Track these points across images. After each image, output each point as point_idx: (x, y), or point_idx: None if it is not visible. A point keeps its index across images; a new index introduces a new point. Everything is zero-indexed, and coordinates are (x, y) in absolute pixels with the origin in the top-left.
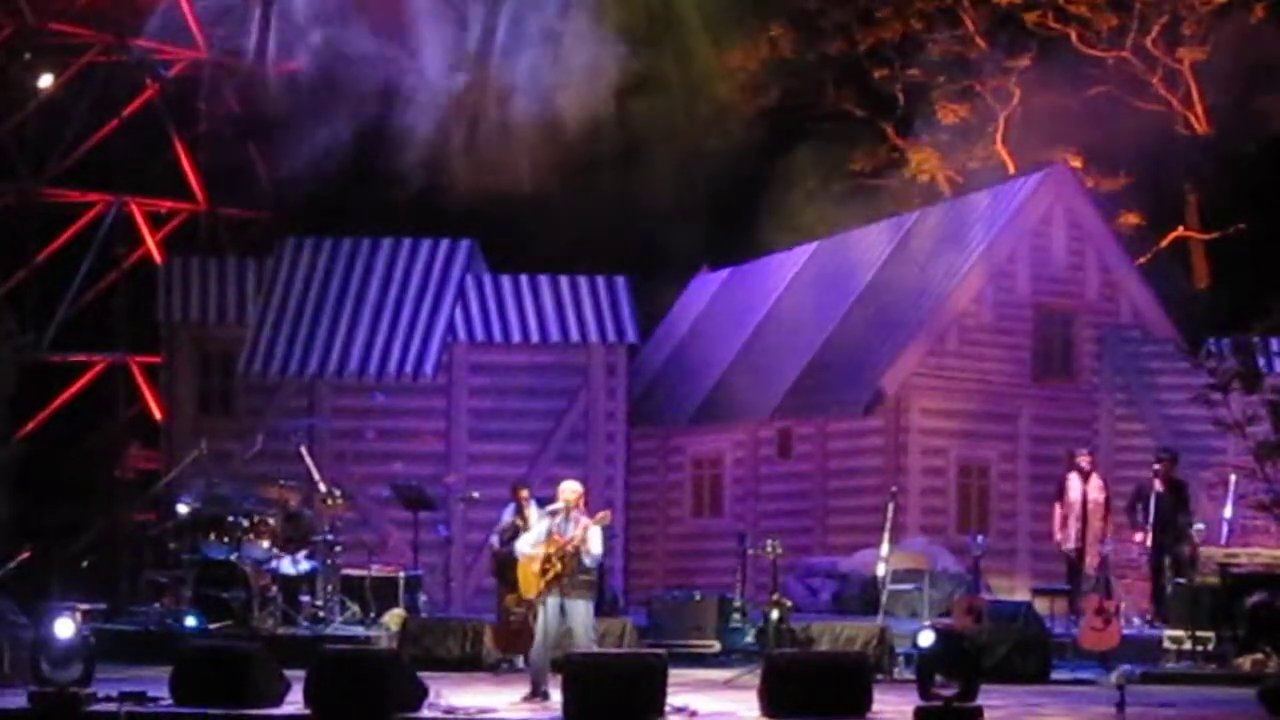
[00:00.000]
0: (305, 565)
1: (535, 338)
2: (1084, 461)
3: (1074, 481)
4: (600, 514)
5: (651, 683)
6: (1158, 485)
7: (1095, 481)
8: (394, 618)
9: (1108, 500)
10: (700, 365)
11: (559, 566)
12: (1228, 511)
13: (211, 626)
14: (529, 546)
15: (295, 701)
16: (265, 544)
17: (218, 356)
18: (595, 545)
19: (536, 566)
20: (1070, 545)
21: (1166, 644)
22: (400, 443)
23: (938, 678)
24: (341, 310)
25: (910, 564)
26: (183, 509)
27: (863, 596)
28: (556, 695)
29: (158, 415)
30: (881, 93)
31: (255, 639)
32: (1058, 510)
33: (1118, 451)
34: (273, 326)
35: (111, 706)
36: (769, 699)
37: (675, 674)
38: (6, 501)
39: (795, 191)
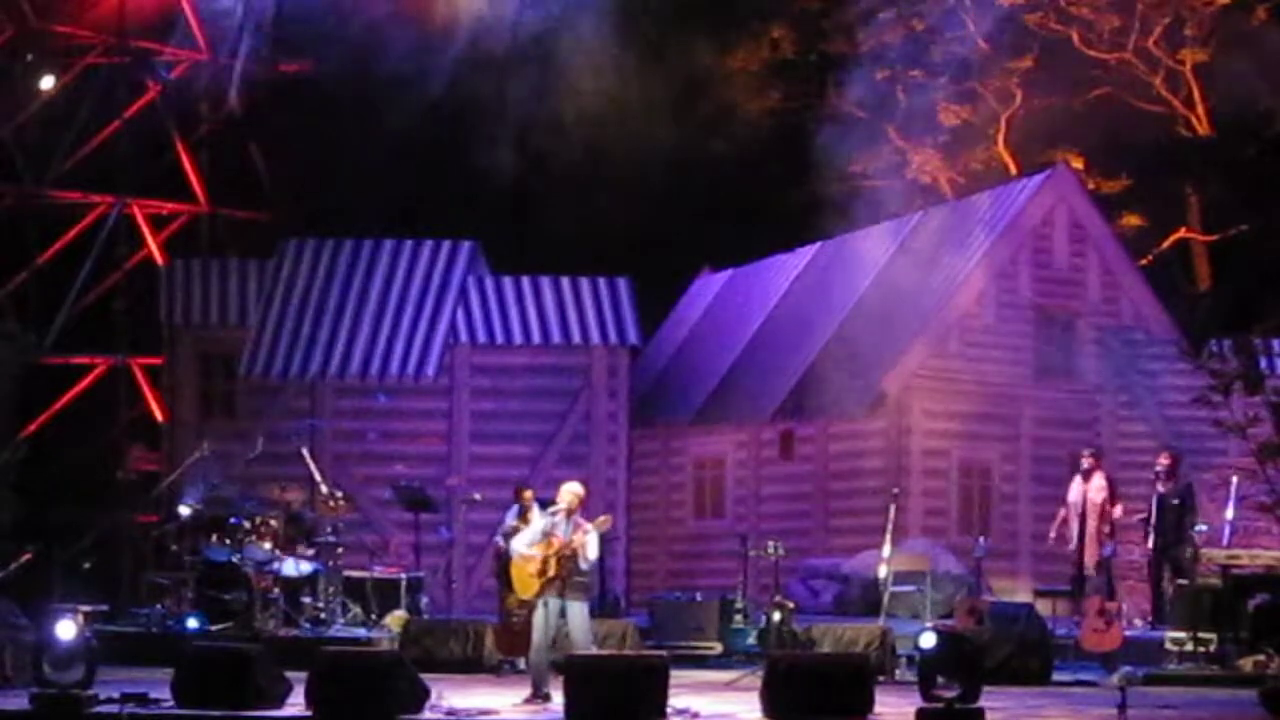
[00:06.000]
0: (307, 567)
1: (537, 339)
2: (1085, 462)
3: (1075, 482)
4: (600, 519)
5: (653, 684)
6: (1159, 487)
7: (1096, 481)
8: (395, 619)
9: (1107, 500)
10: (702, 366)
11: (556, 569)
12: (1229, 513)
13: (213, 628)
14: (524, 546)
15: (297, 703)
16: (267, 545)
17: (219, 358)
18: (591, 551)
19: (533, 568)
20: (1070, 545)
21: (1168, 645)
22: (402, 444)
23: (939, 679)
24: (343, 312)
25: (912, 565)
26: (184, 510)
27: (864, 598)
28: (558, 697)
29: (159, 417)
30: (883, 94)
31: (257, 640)
32: (1060, 512)
33: (1119, 453)
34: (274, 328)
35: (113, 708)
36: (770, 701)
37: (676, 675)
38: (8, 503)
39: (797, 193)
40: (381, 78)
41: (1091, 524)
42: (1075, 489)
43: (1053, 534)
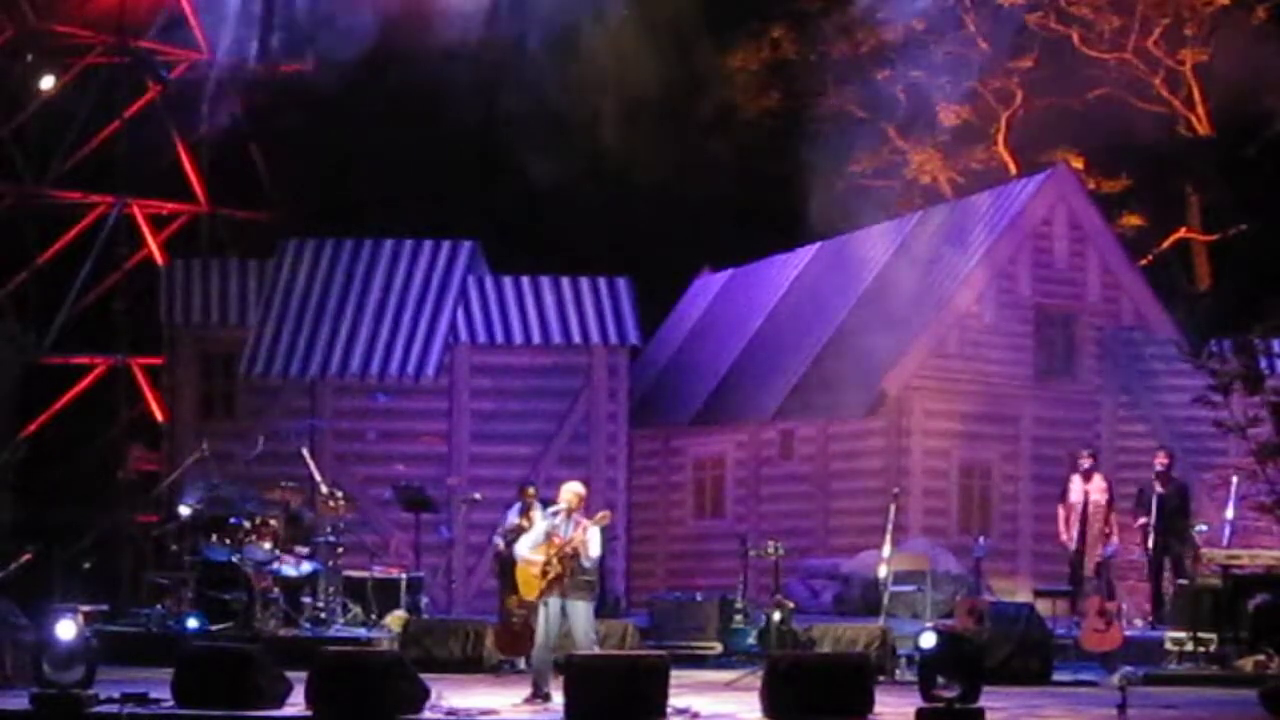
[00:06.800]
0: (307, 567)
1: (537, 339)
2: (1084, 462)
3: (1075, 483)
4: (599, 514)
5: (653, 684)
6: (1158, 487)
7: (1097, 482)
8: (395, 619)
9: (1110, 501)
10: (702, 366)
11: (559, 568)
12: (1229, 513)
13: (213, 628)
14: (528, 550)
15: (297, 703)
16: (267, 545)
17: (219, 358)
18: (594, 547)
19: (536, 569)
20: (1071, 546)
21: (1168, 645)
22: (402, 444)
23: (939, 679)
24: (343, 311)
25: (912, 565)
26: (184, 510)
27: (864, 598)
28: (558, 697)
29: (159, 417)
30: (883, 94)
31: (257, 640)
32: (1060, 512)
33: (1119, 453)
34: (274, 328)
35: (113, 708)
36: (770, 701)
37: (677, 675)
38: (8, 503)
39: (797, 193)
40: (381, 77)
41: (1095, 526)
42: (1075, 489)
43: (1063, 535)
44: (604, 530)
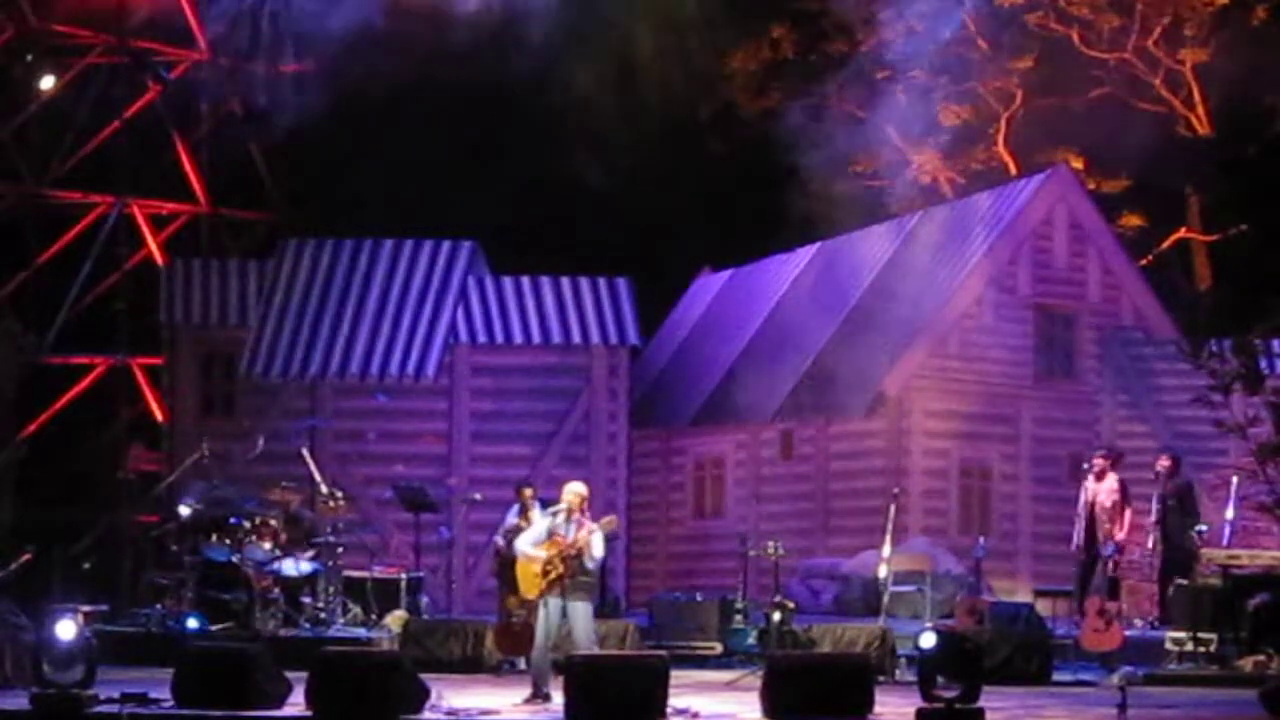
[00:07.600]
0: (307, 567)
1: (537, 339)
2: (1097, 463)
3: (1088, 484)
4: (606, 519)
5: (653, 684)
6: (1161, 489)
7: (1108, 483)
8: (395, 619)
9: (1120, 503)
10: (702, 366)
11: (560, 569)
12: (1229, 513)
13: (213, 628)
14: (529, 546)
15: (297, 703)
16: (267, 545)
17: (219, 358)
18: (597, 550)
19: (537, 568)
20: (1074, 546)
21: (1168, 645)
22: (402, 444)
23: (939, 679)
24: (343, 311)
25: (912, 565)
26: (184, 510)
27: (864, 598)
28: (558, 697)
29: (159, 417)
30: (883, 92)
31: (257, 640)
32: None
33: None
34: (274, 328)
35: (113, 708)
36: (770, 701)
37: (677, 675)
38: (8, 503)
39: (797, 193)
40: (381, 77)
41: (1103, 526)
42: (1087, 491)
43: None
44: (607, 536)
